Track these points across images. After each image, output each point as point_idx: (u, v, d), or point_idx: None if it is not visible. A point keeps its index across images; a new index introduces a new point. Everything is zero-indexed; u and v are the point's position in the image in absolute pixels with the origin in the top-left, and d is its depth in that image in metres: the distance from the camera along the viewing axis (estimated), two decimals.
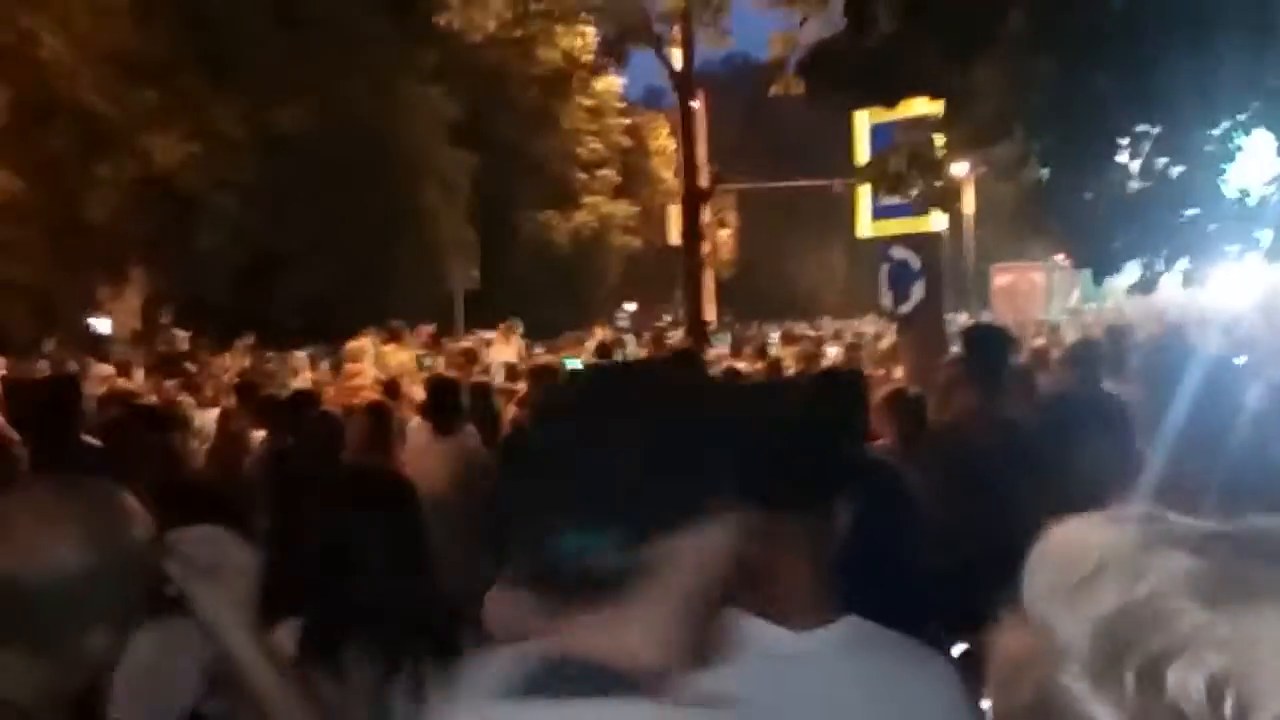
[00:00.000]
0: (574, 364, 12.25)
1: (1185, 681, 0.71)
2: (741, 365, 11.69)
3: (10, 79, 20.67)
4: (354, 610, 3.07)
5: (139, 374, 13.06)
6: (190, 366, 13.63)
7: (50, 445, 5.77)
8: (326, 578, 3.16)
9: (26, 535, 1.68)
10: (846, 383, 6.91)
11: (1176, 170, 8.96)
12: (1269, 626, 0.72)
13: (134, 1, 21.93)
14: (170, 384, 11.33)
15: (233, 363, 14.51)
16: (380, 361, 13.31)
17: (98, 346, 18.09)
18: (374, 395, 9.32)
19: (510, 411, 8.85)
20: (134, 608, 1.78)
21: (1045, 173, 9.31)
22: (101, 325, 22.89)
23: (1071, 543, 0.81)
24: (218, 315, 20.90)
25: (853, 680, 2.17)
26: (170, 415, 6.79)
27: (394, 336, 16.62)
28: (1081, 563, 0.79)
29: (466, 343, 16.12)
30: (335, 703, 2.89)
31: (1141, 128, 8.91)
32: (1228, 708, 0.70)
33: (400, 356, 13.85)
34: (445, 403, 7.53)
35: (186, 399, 9.37)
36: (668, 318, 26.99)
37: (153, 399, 9.58)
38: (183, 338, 16.64)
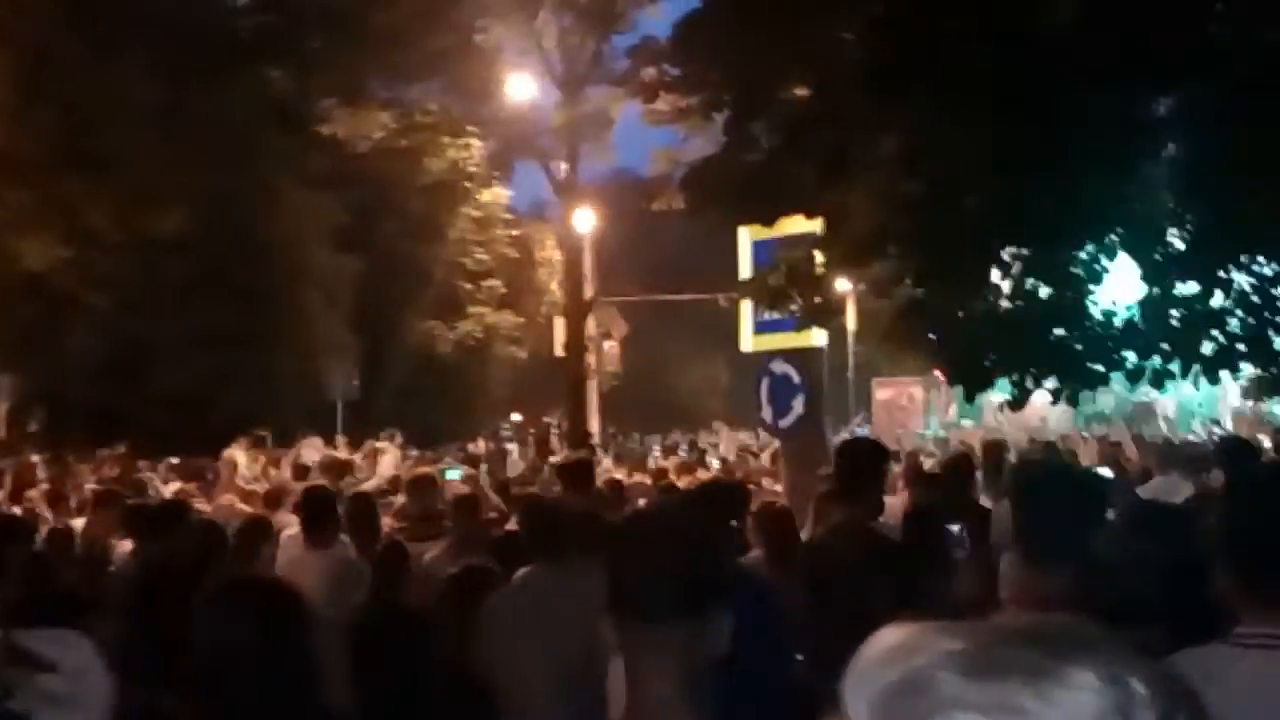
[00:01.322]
0: (454, 474, 12.16)
1: None
2: (621, 476, 11.69)
3: None
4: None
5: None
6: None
7: None
8: (208, 685, 3.11)
9: None
10: (728, 496, 6.97)
11: (1045, 291, 9.19)
12: (1010, 693, 0.79)
13: (12, 101, 21.66)
14: (33, 494, 11.07)
15: (98, 472, 14.21)
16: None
17: None
18: (249, 507, 9.21)
19: (388, 523, 8.77)
20: None
21: (919, 291, 9.50)
22: None
23: (875, 643, 0.89)
24: (88, 418, 20.48)
25: None
26: (30, 527, 6.66)
27: (257, 444, 16.43)
28: (879, 650, 0.88)
29: (349, 454, 15.91)
30: None
31: (1011, 249, 9.15)
32: None
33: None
34: (320, 515, 7.44)
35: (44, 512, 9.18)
36: (552, 424, 26.92)
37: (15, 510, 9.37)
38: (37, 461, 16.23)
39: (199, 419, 19.39)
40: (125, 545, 7.36)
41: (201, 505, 9.76)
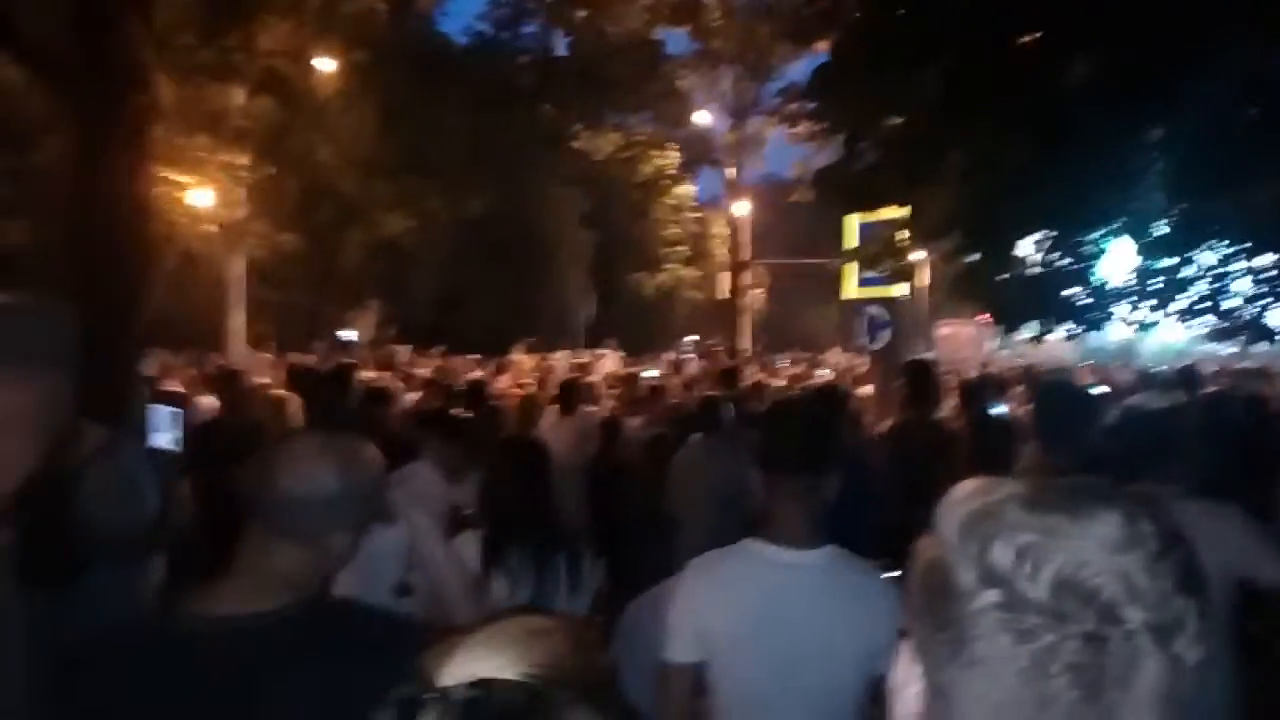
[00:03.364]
0: (650, 373, 12.27)
1: (1003, 550, 0.77)
2: (762, 379, 11.62)
3: (296, 174, 21.15)
4: (514, 527, 3.11)
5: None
6: (404, 367, 13.80)
7: (324, 409, 5.89)
8: (500, 505, 3.19)
9: (304, 466, 1.69)
10: (833, 395, 6.92)
11: (1062, 262, 8.80)
12: (1056, 521, 0.77)
13: (376, 122, 22.32)
14: (389, 375, 11.48)
15: (430, 363, 14.69)
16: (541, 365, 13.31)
17: (346, 350, 18.42)
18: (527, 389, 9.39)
19: (610, 404, 8.90)
20: (366, 520, 1.76)
21: (974, 259, 9.21)
22: (349, 336, 23.27)
23: (960, 487, 0.86)
24: (422, 331, 21.19)
25: (830, 584, 2.23)
26: (388, 394, 6.97)
27: (531, 350, 16.77)
28: (961, 495, 0.85)
29: (585, 358, 16.14)
30: (505, 592, 2.95)
31: (1040, 233, 8.78)
32: (1027, 566, 0.76)
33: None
34: (568, 394, 7.63)
35: (398, 385, 9.48)
36: (716, 345, 26.81)
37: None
38: (403, 350, 16.86)
39: (493, 333, 19.88)
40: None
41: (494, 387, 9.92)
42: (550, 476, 3.31)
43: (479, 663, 0.81)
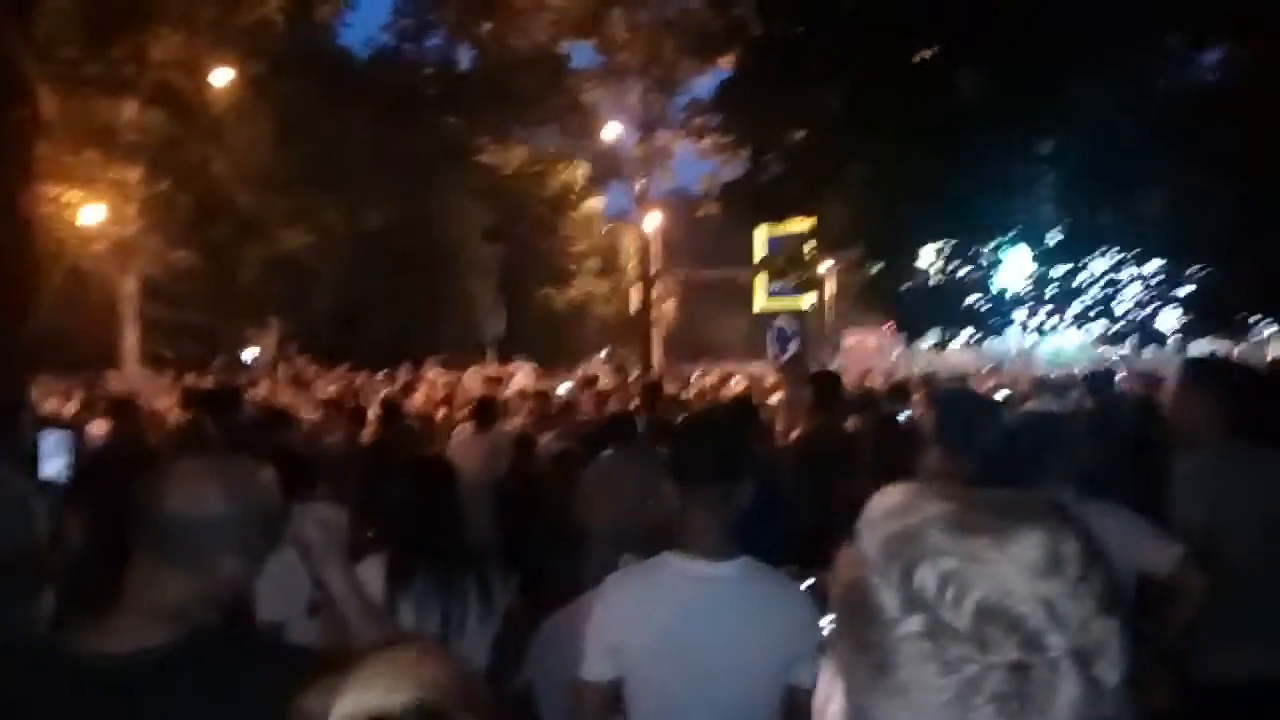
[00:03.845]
0: (563, 389, 12.22)
1: (926, 576, 0.75)
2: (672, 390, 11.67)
3: (191, 188, 20.55)
4: (419, 550, 3.04)
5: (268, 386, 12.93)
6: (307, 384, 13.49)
7: (218, 432, 5.73)
8: (406, 528, 3.11)
9: (189, 487, 1.64)
10: (744, 405, 7.00)
11: (963, 271, 9.10)
12: (980, 547, 0.75)
13: (274, 135, 21.82)
14: (290, 393, 11.22)
15: (333, 380, 14.37)
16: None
17: (245, 370, 17.91)
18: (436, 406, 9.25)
19: (522, 420, 8.83)
20: (260, 544, 1.71)
21: (877, 269, 9.44)
22: (249, 354, 22.63)
23: (883, 498, 0.84)
24: (326, 348, 20.75)
25: (745, 596, 2.24)
26: (286, 416, 6.78)
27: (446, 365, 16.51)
28: (884, 508, 0.83)
29: (495, 372, 15.95)
30: (412, 617, 2.87)
31: (940, 242, 9.05)
32: (949, 593, 0.74)
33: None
34: (487, 411, 7.54)
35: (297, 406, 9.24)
36: (627, 358, 26.88)
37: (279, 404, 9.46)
38: (305, 366, 16.46)
39: (399, 349, 19.54)
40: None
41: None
42: (457, 497, 3.25)
43: (366, 694, 0.81)
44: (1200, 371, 3.45)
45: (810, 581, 3.20)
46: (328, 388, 12.82)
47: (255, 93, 21.15)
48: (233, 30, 20.74)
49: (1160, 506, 3.05)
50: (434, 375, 14.72)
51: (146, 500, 1.64)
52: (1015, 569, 0.75)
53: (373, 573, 2.89)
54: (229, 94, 20.60)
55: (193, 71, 19.93)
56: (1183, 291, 8.72)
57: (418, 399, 10.79)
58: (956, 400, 4.09)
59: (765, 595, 2.26)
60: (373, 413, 7.77)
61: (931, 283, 9.24)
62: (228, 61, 20.25)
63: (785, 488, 4.62)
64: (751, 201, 10.35)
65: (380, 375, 15.11)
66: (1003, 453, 3.10)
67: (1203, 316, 8.69)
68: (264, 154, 21.62)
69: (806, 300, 12.32)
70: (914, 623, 0.75)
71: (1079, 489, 2.80)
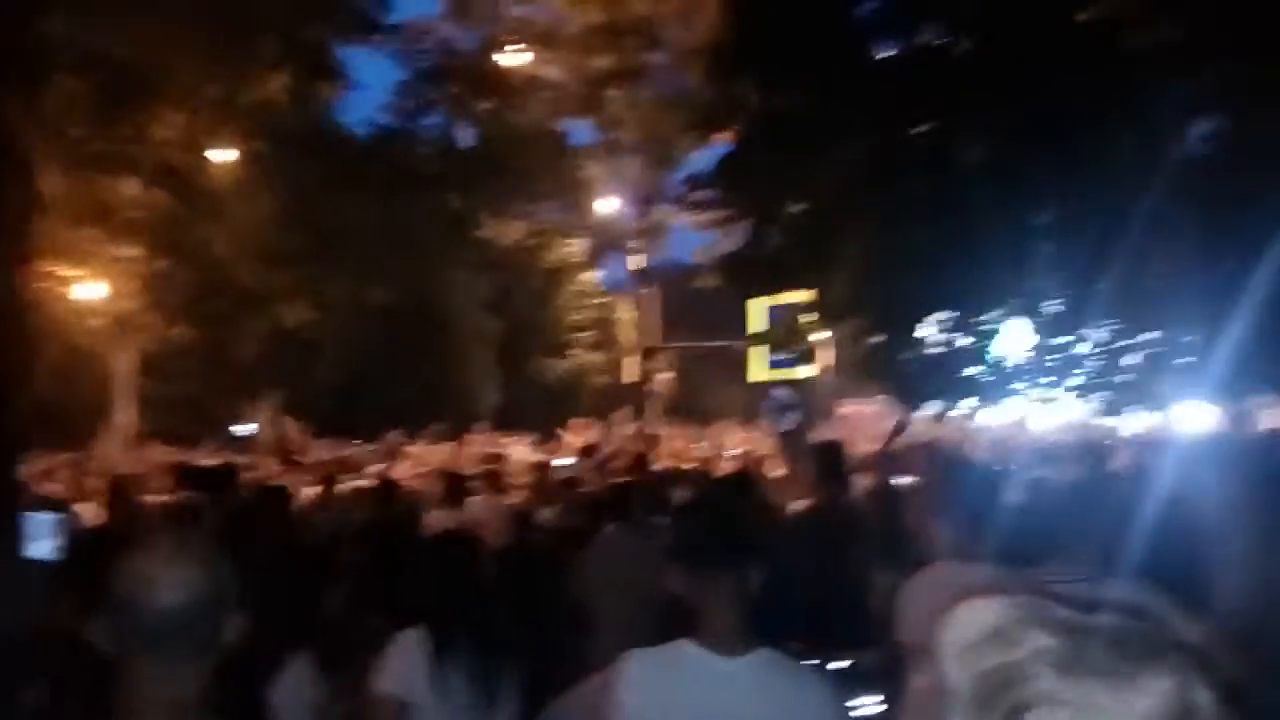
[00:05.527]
0: (563, 462, 12.06)
1: None
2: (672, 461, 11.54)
3: (192, 265, 20.65)
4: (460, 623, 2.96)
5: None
6: (301, 458, 13.36)
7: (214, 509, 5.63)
8: (436, 604, 3.02)
9: (175, 574, 1.55)
10: (745, 482, 6.90)
11: (962, 342, 9.10)
12: (1099, 694, 0.67)
13: (276, 212, 22.00)
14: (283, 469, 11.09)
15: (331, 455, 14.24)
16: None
17: (240, 445, 17.76)
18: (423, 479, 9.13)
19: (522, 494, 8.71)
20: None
21: (878, 340, 9.44)
22: (246, 429, 22.47)
23: (972, 615, 0.75)
24: (327, 421, 20.64)
25: (766, 693, 2.14)
26: (284, 492, 6.68)
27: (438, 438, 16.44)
28: (977, 631, 0.73)
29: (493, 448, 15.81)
30: (460, 688, 2.80)
31: (939, 314, 9.07)
32: None
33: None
34: (452, 488, 7.40)
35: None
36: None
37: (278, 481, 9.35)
38: (298, 434, 16.35)
39: (397, 422, 19.42)
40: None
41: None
42: (484, 569, 3.19)
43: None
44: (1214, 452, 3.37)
45: (838, 665, 3.08)
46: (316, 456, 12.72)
47: (257, 171, 21.38)
48: (236, 110, 21.03)
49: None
50: (420, 449, 14.64)
51: (135, 596, 1.54)
52: None
53: (410, 647, 2.82)
54: (231, 172, 20.81)
55: (195, 150, 20.16)
56: (1180, 361, 8.70)
57: (400, 472, 10.67)
58: (966, 473, 3.99)
59: (788, 693, 2.17)
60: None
61: (931, 353, 9.21)
62: (230, 140, 20.50)
63: (794, 565, 4.51)
64: (751, 273, 10.40)
65: (371, 448, 15.02)
66: (1018, 531, 3.01)
67: (1199, 387, 8.66)
68: (265, 231, 21.78)
69: (806, 371, 12.27)
70: None
71: (1096, 569, 2.70)
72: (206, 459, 11.93)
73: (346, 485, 8.69)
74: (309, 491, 8.36)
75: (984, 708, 0.69)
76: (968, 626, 0.74)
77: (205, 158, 20.33)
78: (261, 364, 23.17)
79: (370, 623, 3.30)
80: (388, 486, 7.36)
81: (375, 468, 11.38)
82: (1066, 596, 0.74)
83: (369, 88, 37.77)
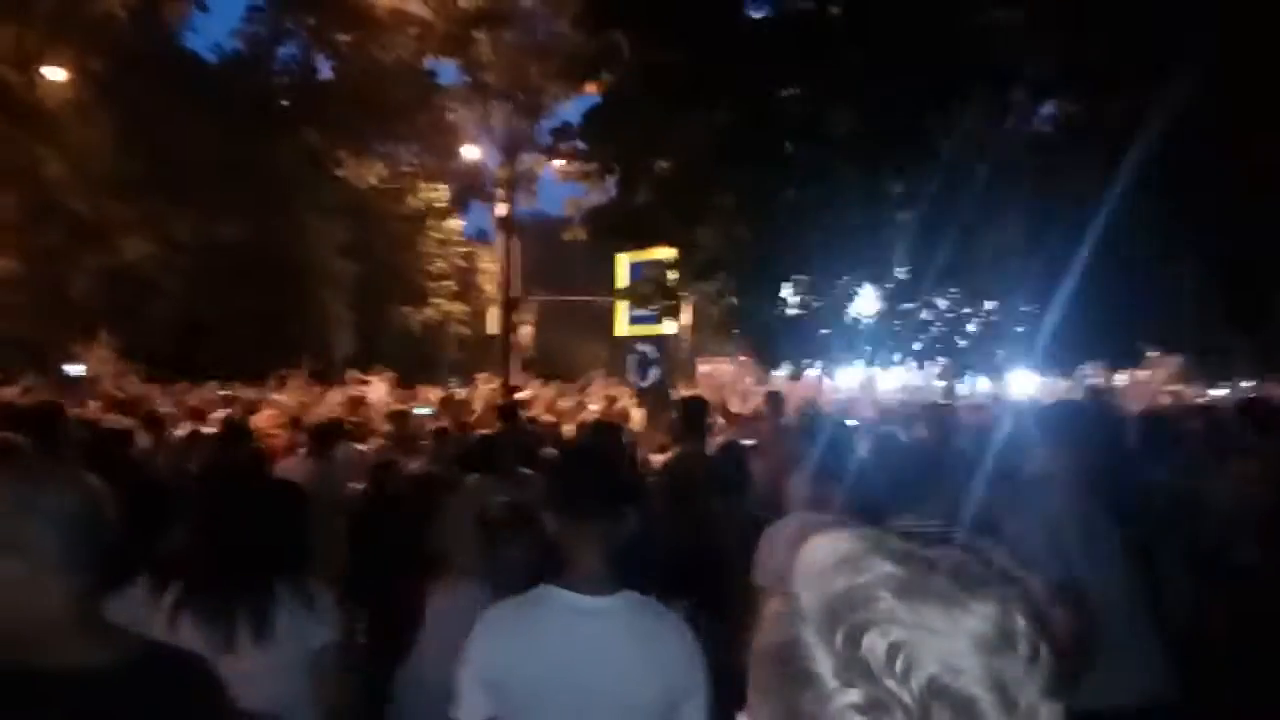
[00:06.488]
0: (422, 411, 11.89)
1: (874, 644, 0.71)
2: (536, 413, 11.50)
3: (21, 189, 19.19)
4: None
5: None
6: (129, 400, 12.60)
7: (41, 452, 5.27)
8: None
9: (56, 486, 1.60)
10: (616, 433, 6.97)
11: (817, 305, 9.36)
12: (934, 616, 0.72)
13: (115, 137, 20.66)
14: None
15: (173, 399, 13.57)
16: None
17: (73, 385, 16.71)
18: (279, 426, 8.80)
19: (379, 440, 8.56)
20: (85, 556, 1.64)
21: (736, 301, 9.62)
22: (77, 370, 21.16)
23: (824, 546, 0.79)
24: (165, 364, 19.65)
25: (629, 631, 2.20)
26: (126, 435, 6.37)
27: (282, 383, 15.92)
28: (828, 561, 0.77)
29: (355, 391, 15.37)
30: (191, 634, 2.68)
31: (797, 276, 9.30)
32: (898, 664, 0.70)
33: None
34: (323, 436, 7.24)
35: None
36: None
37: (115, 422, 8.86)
38: (134, 380, 15.52)
39: (243, 369, 18.67)
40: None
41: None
42: (304, 523, 3.07)
43: None
44: (1058, 415, 3.60)
45: (691, 611, 3.18)
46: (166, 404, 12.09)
47: (95, 92, 19.98)
48: (71, 24, 19.55)
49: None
50: (278, 399, 14.11)
51: None
52: (966, 643, 0.71)
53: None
54: (65, 91, 19.38)
55: (25, 66, 18.67)
56: (1015, 331, 9.22)
57: (261, 420, 10.27)
58: (829, 429, 4.18)
59: (650, 630, 2.23)
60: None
61: (790, 313, 9.47)
62: (65, 58, 19.06)
63: (655, 515, 4.60)
64: (617, 228, 10.40)
65: (220, 393, 14.39)
66: (871, 483, 3.16)
67: (1034, 355, 9.21)
68: (104, 157, 20.43)
69: (668, 327, 12.42)
70: (854, 694, 0.70)
71: (947, 522, 2.86)
72: (21, 398, 11.19)
73: (182, 431, 8.33)
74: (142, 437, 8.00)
75: (830, 626, 0.73)
76: (821, 553, 0.78)
77: (38, 74, 18.84)
78: (97, 300, 21.85)
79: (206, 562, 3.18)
80: (233, 430, 7.09)
81: (221, 413, 10.92)
82: (913, 535, 0.80)
83: (219, 10, 35.78)
